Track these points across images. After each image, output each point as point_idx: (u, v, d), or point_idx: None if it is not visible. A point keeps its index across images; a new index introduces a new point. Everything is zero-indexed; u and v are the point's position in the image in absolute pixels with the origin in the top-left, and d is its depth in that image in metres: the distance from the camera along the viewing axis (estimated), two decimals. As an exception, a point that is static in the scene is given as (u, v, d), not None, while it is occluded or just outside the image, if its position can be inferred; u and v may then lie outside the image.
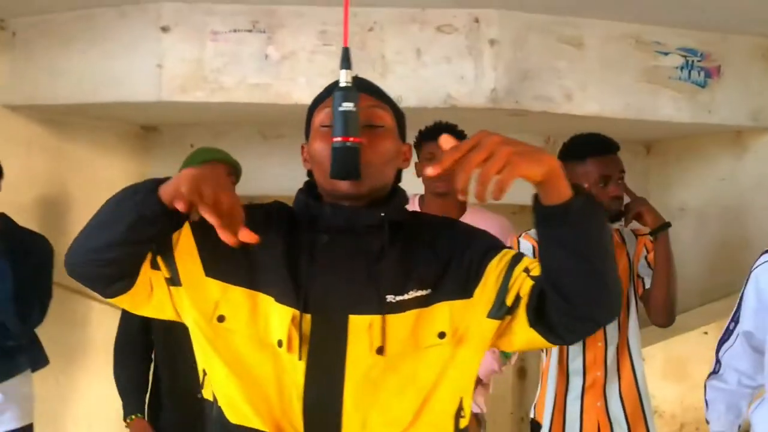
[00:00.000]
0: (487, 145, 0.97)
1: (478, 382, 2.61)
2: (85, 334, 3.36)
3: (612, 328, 2.20)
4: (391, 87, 2.75)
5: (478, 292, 1.17)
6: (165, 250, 1.18)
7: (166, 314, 1.22)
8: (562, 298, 1.08)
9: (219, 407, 1.18)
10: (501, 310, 1.16)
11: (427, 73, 2.86)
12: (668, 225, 2.17)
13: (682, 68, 3.04)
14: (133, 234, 1.10)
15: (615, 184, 2.19)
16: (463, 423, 1.20)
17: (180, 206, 1.01)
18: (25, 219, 2.90)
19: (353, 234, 1.19)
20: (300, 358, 1.12)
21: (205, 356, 1.19)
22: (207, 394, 1.23)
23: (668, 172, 3.98)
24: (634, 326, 2.24)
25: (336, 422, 1.12)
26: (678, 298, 2.20)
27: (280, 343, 1.13)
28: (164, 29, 2.89)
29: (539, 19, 2.89)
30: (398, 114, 1.34)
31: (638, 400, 2.22)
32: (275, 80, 2.88)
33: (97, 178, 3.59)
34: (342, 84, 1.13)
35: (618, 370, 2.21)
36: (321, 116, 1.24)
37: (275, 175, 3.72)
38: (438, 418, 1.18)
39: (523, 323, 1.14)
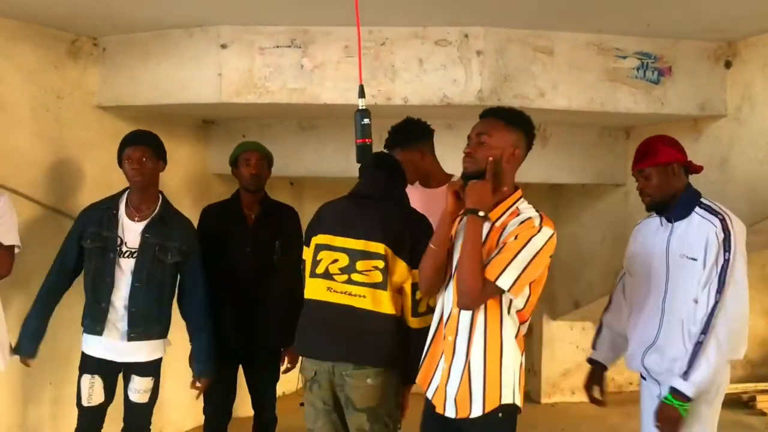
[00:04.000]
0: None
1: None
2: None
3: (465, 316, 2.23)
4: (398, 90, 3.53)
5: None
6: None
7: None
8: None
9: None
10: None
11: (427, 78, 3.43)
12: (474, 211, 2.15)
13: (638, 69, 3.59)
14: None
15: (470, 143, 2.24)
16: None
17: None
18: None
19: None
20: None
21: None
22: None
23: (643, 153, 4.57)
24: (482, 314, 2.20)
25: None
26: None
27: None
28: (223, 46, 3.50)
29: (517, 33, 3.43)
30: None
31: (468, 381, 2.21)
32: (309, 85, 3.47)
33: (169, 161, 4.30)
34: (361, 107, 1.93)
35: (468, 344, 2.21)
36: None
37: (310, 159, 4.41)
38: None
39: None
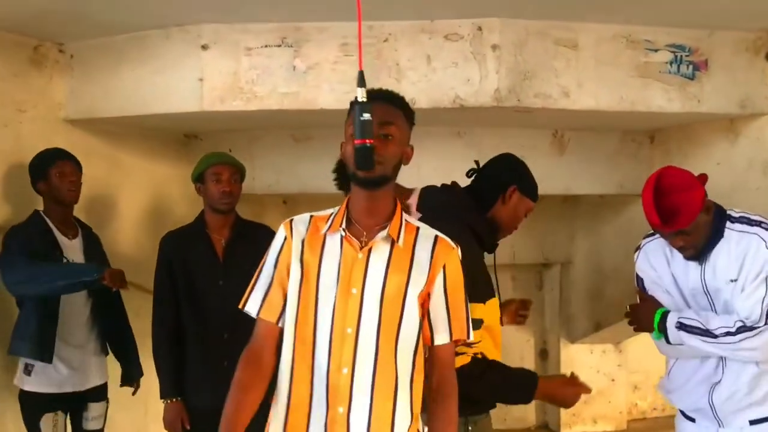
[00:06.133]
0: None
1: None
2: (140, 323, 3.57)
3: None
4: (405, 91, 3.05)
5: None
6: None
7: None
8: None
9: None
10: None
11: (436, 77, 3.09)
12: None
13: (671, 63, 3.25)
14: None
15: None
16: None
17: None
18: (85, 218, 3.26)
19: None
20: None
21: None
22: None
23: (670, 160, 4.17)
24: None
25: None
26: None
27: None
28: (204, 47, 3.18)
29: (537, 25, 3.10)
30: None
31: None
32: (302, 88, 3.15)
33: (146, 181, 3.94)
34: (360, 99, 1.53)
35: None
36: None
37: (306, 175, 4.03)
38: None
39: None
